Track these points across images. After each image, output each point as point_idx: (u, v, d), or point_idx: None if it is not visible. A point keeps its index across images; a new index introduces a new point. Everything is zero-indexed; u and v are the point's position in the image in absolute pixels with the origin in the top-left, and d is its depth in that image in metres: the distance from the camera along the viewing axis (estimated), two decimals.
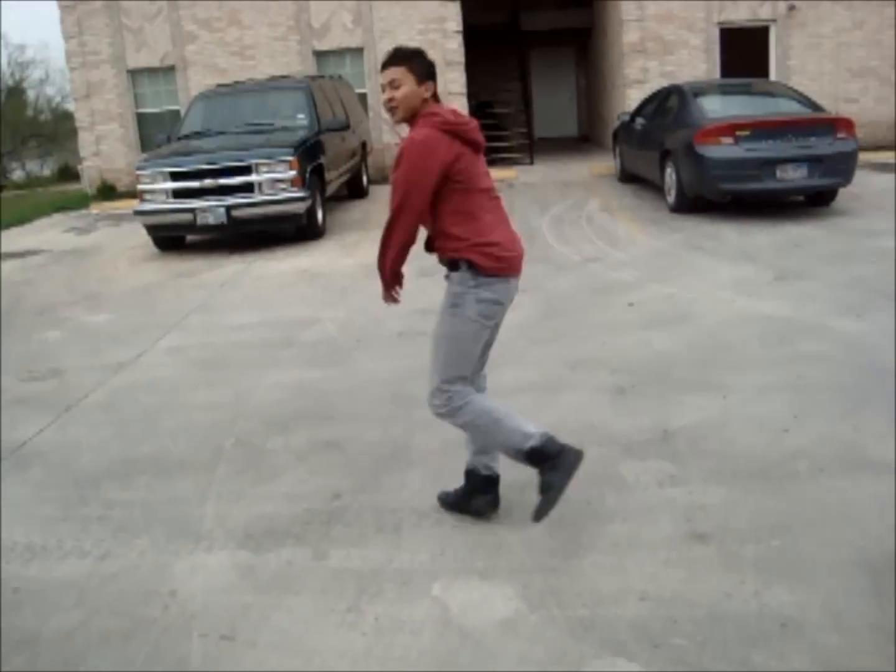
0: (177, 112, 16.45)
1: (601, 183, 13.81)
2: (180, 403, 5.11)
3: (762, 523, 3.26)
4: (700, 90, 11.17)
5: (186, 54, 16.77)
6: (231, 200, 9.74)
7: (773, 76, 16.24)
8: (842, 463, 3.73)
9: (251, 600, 3.00)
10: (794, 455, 3.82)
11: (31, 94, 37.61)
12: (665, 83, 13.91)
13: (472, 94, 17.08)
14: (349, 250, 9.63)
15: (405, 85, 3.08)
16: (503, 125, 18.41)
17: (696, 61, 16.34)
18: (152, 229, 10.33)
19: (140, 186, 10.08)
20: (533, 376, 5.05)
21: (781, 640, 2.59)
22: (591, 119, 22.22)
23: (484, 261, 3.09)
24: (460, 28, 16.36)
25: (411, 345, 5.88)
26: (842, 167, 9.68)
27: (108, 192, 16.45)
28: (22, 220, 14.36)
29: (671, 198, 10.59)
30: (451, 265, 3.16)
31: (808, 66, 16.31)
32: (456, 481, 3.60)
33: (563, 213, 11.09)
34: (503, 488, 3.52)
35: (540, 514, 3.13)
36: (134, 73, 17.03)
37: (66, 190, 19.54)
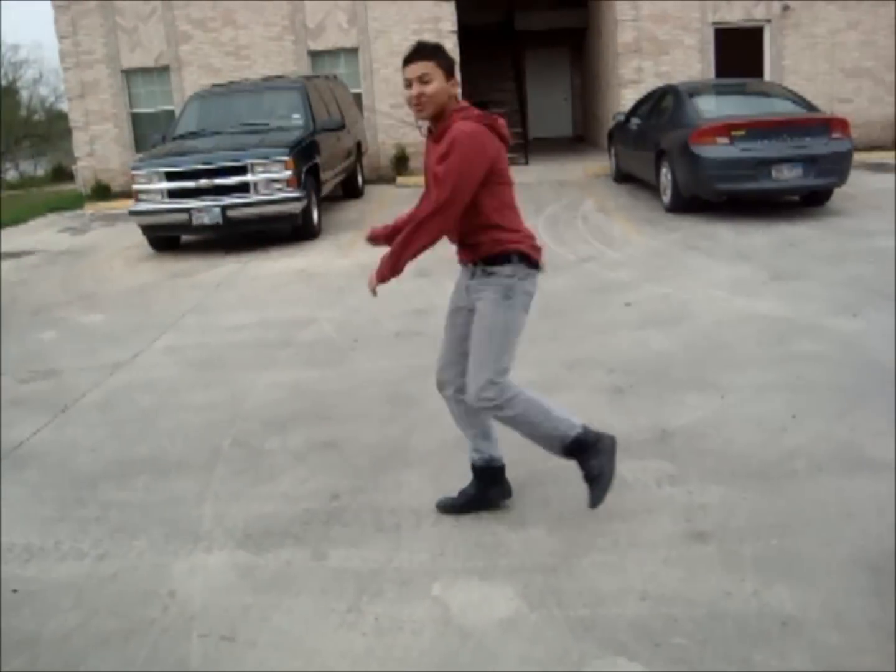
0: (171, 112, 16.43)
1: (596, 183, 13.83)
2: (177, 404, 5.10)
3: (761, 522, 3.26)
4: (695, 90, 11.18)
5: (181, 54, 16.75)
6: (226, 200, 9.73)
7: (767, 76, 16.28)
8: (840, 462, 3.73)
9: (251, 601, 2.99)
10: (793, 454, 3.82)
11: (24, 95, 37.55)
12: (660, 83, 13.93)
13: (466, 94, 17.07)
14: (345, 250, 9.62)
15: (435, 80, 3.01)
16: None
17: (691, 61, 16.37)
18: (148, 229, 10.31)
19: (135, 186, 10.07)
20: (530, 376, 5.02)
21: (782, 638, 2.59)
22: (585, 119, 22.24)
23: (533, 252, 3.17)
24: (455, 28, 16.38)
25: (408, 345, 5.88)
26: (837, 167, 9.70)
27: (102, 192, 16.41)
28: (16, 220, 14.32)
29: (667, 198, 10.61)
30: (497, 259, 3.14)
31: (802, 66, 16.35)
32: (454, 481, 3.60)
33: (558, 213, 11.09)
34: None
35: (597, 500, 3.18)
36: (128, 73, 17.02)
37: (60, 190, 19.49)
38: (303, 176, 10.05)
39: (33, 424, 4.87)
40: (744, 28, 16.40)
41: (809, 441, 3.95)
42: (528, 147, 17.60)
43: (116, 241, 11.62)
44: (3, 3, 54.14)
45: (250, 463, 4.17)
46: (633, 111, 12.75)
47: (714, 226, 9.54)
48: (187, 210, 9.75)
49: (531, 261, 3.17)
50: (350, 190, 13.83)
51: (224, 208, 9.70)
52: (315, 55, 16.78)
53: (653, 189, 11.46)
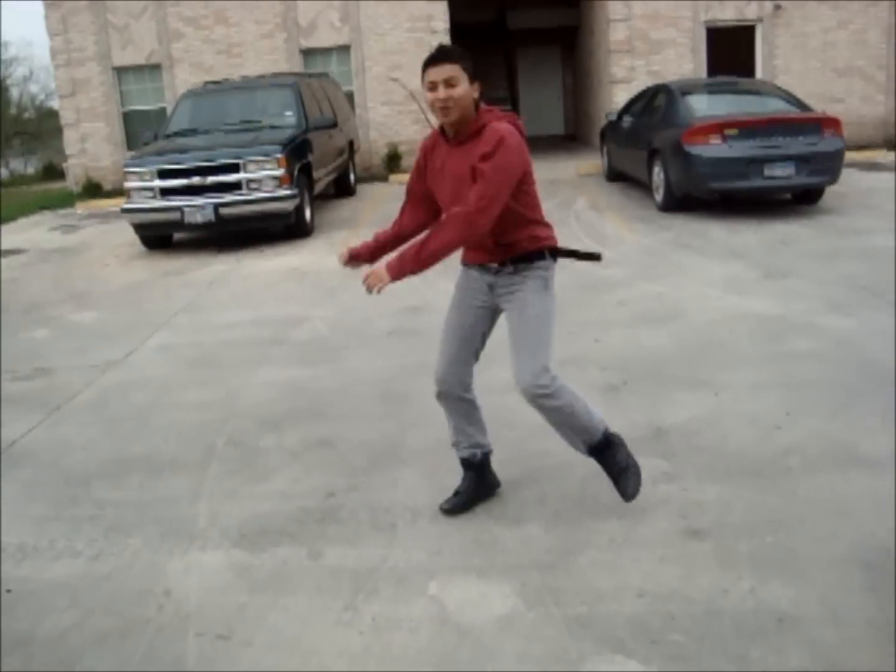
0: (163, 110, 16.40)
1: (588, 181, 13.84)
2: (171, 402, 5.09)
3: (757, 519, 3.27)
4: (688, 89, 11.19)
5: (173, 52, 16.70)
6: (219, 199, 9.71)
7: (759, 75, 16.32)
8: (834, 459, 3.75)
9: (247, 599, 2.99)
10: (787, 451, 3.83)
11: (14, 92, 37.37)
12: (651, 82, 13.96)
13: None
14: (337, 248, 9.58)
15: (462, 83, 2.96)
16: None
17: (683, 60, 16.39)
18: (140, 227, 10.28)
19: (127, 184, 10.04)
20: None
21: (778, 635, 2.59)
22: (577, 117, 22.26)
23: (559, 247, 3.26)
24: (447, 26, 16.37)
25: (402, 343, 5.88)
26: (828, 166, 9.72)
27: (93, 190, 16.36)
28: (7, 218, 14.26)
29: (659, 196, 10.62)
30: (533, 255, 3.18)
31: (793, 65, 16.39)
32: (449, 478, 3.61)
33: (550, 212, 10.94)
34: (499, 487, 3.63)
35: (635, 490, 3.28)
36: (120, 71, 16.96)
37: (50, 188, 19.43)
38: (295, 174, 10.03)
39: (26, 423, 4.84)
40: (735, 27, 16.44)
41: (803, 438, 3.96)
42: None
43: (108, 239, 11.58)
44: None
45: (245, 461, 4.16)
46: (626, 110, 12.76)
47: (706, 224, 9.56)
48: (180, 208, 9.72)
49: (558, 253, 3.27)
50: (342, 188, 13.82)
51: (217, 206, 9.68)
52: (307, 53, 16.75)
53: (645, 187, 11.47)
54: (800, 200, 10.42)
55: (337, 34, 16.60)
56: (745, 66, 16.33)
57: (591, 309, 6.36)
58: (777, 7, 16.20)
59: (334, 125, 12.20)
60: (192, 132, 11.05)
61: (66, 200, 16.03)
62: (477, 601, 2.88)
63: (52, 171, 23.91)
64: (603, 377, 4.96)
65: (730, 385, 4.69)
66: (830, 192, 10.44)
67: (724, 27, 16.37)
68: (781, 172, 9.56)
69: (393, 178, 15.77)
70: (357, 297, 7.27)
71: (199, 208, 9.67)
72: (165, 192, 9.82)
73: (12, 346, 6.52)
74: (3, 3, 49.85)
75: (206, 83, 12.87)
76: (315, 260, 9.10)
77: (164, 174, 9.83)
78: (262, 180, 9.75)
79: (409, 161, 16.40)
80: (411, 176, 3.35)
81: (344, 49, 16.72)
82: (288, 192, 9.82)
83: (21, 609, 3.03)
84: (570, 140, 22.16)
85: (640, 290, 6.88)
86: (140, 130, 14.26)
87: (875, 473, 3.57)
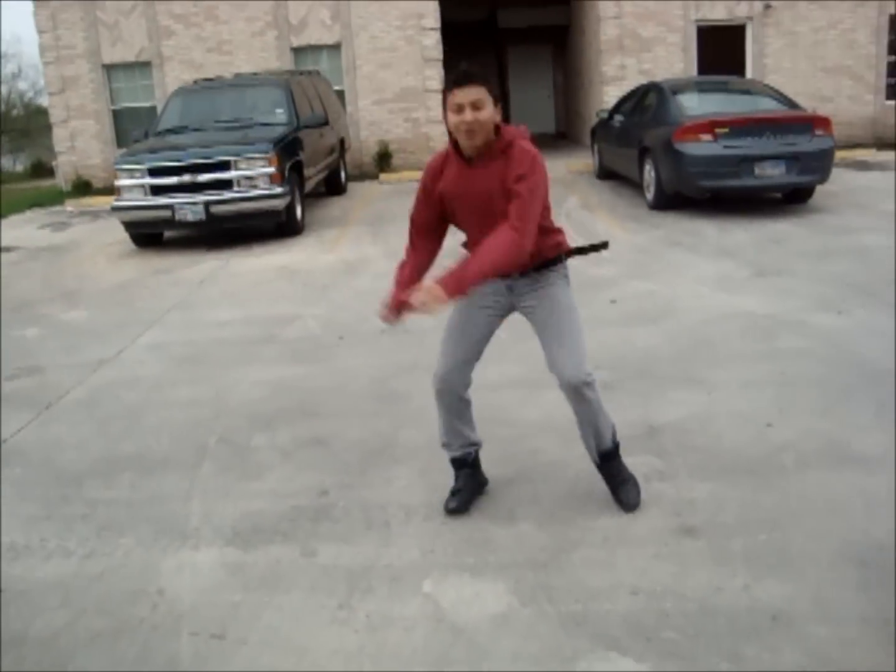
0: (153, 108, 16.34)
1: (579, 180, 13.84)
2: (162, 400, 5.07)
3: (750, 517, 3.28)
4: (678, 87, 11.21)
5: (163, 49, 16.63)
6: (210, 197, 9.68)
7: (749, 74, 16.37)
8: (826, 457, 3.76)
9: (240, 598, 2.98)
10: (780, 449, 3.84)
11: (3, 90, 37.17)
12: (642, 80, 13.98)
13: None
14: (328, 247, 9.59)
15: (487, 107, 2.94)
16: None
17: (674, 59, 16.42)
18: (130, 226, 10.24)
19: (118, 182, 9.99)
20: (518, 372, 5.05)
21: (772, 632, 2.60)
22: (568, 116, 22.27)
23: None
24: (438, 24, 16.35)
25: (394, 341, 5.86)
26: (819, 164, 9.76)
27: (83, 188, 16.29)
28: None
29: (650, 195, 10.64)
30: (554, 260, 3.26)
31: (783, 64, 16.44)
32: (442, 476, 3.61)
33: None
34: (492, 485, 3.65)
35: (638, 499, 3.40)
36: (109, 69, 16.88)
37: (39, 186, 19.34)
38: (286, 172, 10.01)
39: (17, 422, 4.82)
40: (726, 26, 16.47)
41: (796, 436, 3.97)
42: None
43: (98, 237, 11.53)
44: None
45: (237, 460, 4.15)
46: (617, 108, 12.78)
47: (697, 223, 9.58)
48: (170, 206, 9.69)
49: (570, 253, 3.37)
50: (333, 186, 13.78)
51: (207, 204, 9.65)
52: (298, 51, 16.71)
53: (636, 186, 11.49)
54: (790, 199, 10.45)
55: (328, 32, 16.57)
56: (735, 64, 16.38)
57: (583, 307, 6.25)
58: (767, 6, 16.25)
59: (325, 123, 12.19)
60: (182, 130, 11.01)
61: (56, 198, 15.95)
62: (471, 599, 2.88)
63: (41, 169, 23.82)
64: (596, 375, 4.93)
65: (722, 383, 4.70)
66: (821, 190, 10.48)
67: (715, 26, 16.41)
68: (772, 171, 9.59)
69: (383, 176, 15.75)
70: (348, 295, 7.29)
71: (189, 206, 9.64)
72: (156, 190, 9.79)
73: (2, 345, 6.48)
74: None
75: (196, 81, 12.82)
76: (306, 258, 9.08)
77: (154, 172, 9.80)
78: (253, 178, 9.73)
79: (399, 160, 16.41)
80: (417, 205, 3.26)
81: (335, 47, 16.68)
82: (279, 190, 9.80)
83: (13, 609, 3.01)
84: (560, 138, 22.18)
85: (631, 288, 6.89)
86: (130, 128, 14.18)
87: (867, 471, 3.58)
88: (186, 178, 9.67)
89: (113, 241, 10.86)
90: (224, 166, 9.71)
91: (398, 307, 3.11)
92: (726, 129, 9.65)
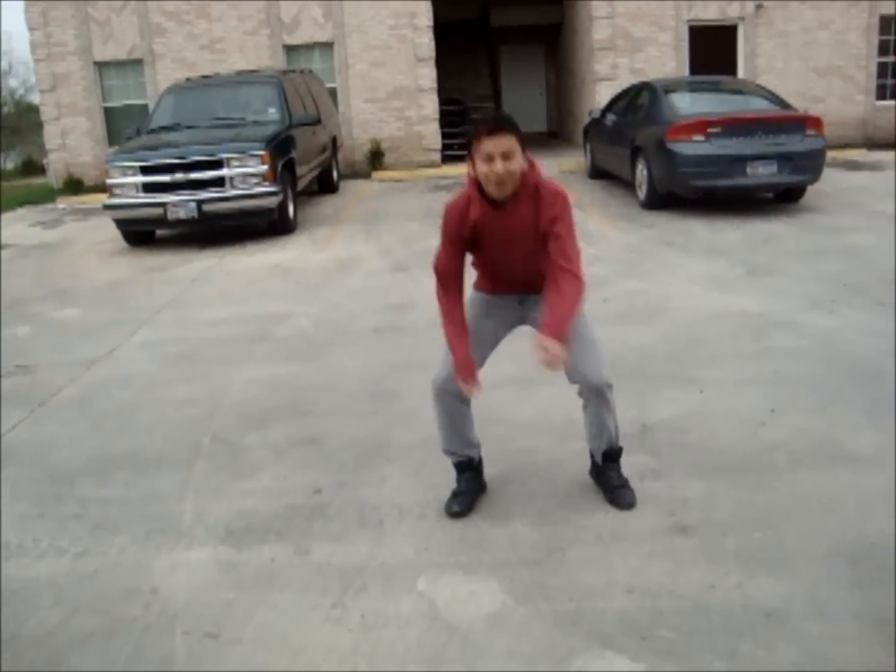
0: (145, 106, 16.29)
1: (571, 179, 13.83)
2: (155, 399, 5.05)
3: (744, 515, 3.29)
4: (671, 87, 11.24)
5: (155, 47, 16.58)
6: (202, 195, 9.65)
7: (740, 74, 16.41)
8: (819, 455, 3.77)
9: (234, 597, 2.97)
10: (773, 448, 3.85)
11: None
12: (634, 80, 14.01)
13: (441, 90, 17.07)
14: (321, 245, 9.58)
15: (517, 157, 2.94)
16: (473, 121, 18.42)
17: (666, 58, 16.45)
18: (122, 224, 10.20)
19: (109, 180, 9.97)
20: (511, 371, 5.04)
21: (766, 630, 2.61)
22: (560, 115, 22.29)
23: None
24: (431, 23, 16.34)
25: (387, 340, 5.86)
26: (810, 164, 9.80)
27: (74, 186, 16.22)
28: None
29: (642, 194, 10.66)
30: None
31: (775, 64, 16.49)
32: (436, 475, 3.62)
33: None
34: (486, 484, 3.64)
35: (632, 504, 3.41)
36: (101, 66, 16.82)
37: (30, 184, 19.26)
38: (279, 170, 9.99)
39: (9, 420, 4.80)
40: (718, 26, 16.51)
41: (789, 435, 3.98)
42: None
43: (90, 235, 11.49)
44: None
45: (230, 458, 4.14)
46: (609, 108, 12.79)
47: (689, 222, 9.60)
48: (162, 204, 9.66)
49: None
50: (325, 185, 13.77)
51: (199, 203, 9.62)
52: (290, 49, 16.68)
53: (628, 185, 11.51)
54: (782, 199, 10.49)
55: (320, 31, 16.54)
56: (727, 64, 16.43)
57: None
58: (759, 7, 16.29)
59: (318, 122, 12.17)
60: (174, 128, 10.98)
61: (47, 196, 15.89)
62: (465, 598, 2.88)
63: (32, 167, 23.73)
64: None
65: (715, 382, 4.71)
66: (812, 190, 10.52)
67: (707, 26, 16.44)
68: (764, 171, 9.62)
69: (376, 174, 15.74)
70: (340, 294, 7.28)
71: (181, 204, 9.61)
72: (148, 188, 9.77)
73: None
74: None
75: (189, 79, 12.78)
76: (298, 256, 9.07)
77: (146, 170, 9.77)
78: (246, 177, 9.71)
79: (391, 158, 16.39)
80: (444, 258, 3.22)
81: (327, 46, 16.66)
82: (271, 188, 9.79)
83: (6, 608, 2.99)
84: (553, 138, 22.21)
85: (623, 287, 6.90)
86: (122, 126, 14.18)
87: (860, 469, 3.60)
88: (179, 175, 9.65)
89: (105, 239, 10.83)
90: (216, 164, 9.69)
91: (476, 383, 3.19)
92: (718, 129, 9.68)
